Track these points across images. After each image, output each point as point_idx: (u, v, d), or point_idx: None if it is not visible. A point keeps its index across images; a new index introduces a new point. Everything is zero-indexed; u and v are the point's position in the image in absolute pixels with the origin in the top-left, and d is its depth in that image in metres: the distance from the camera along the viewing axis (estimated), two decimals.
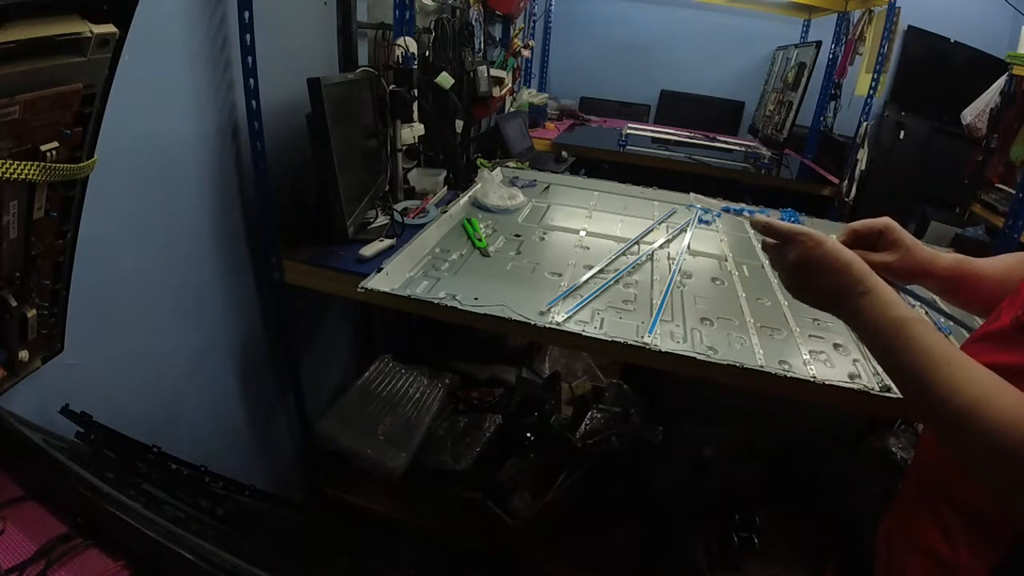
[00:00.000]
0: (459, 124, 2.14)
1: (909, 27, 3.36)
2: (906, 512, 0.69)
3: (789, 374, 1.00)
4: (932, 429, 0.57)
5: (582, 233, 1.58)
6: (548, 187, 2.00)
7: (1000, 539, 0.55)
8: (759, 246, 1.62)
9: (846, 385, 0.98)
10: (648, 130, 3.40)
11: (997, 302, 0.67)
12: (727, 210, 0.90)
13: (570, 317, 1.11)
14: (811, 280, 0.65)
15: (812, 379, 0.99)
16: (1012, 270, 0.72)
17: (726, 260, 1.49)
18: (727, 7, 3.79)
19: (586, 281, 1.26)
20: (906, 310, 0.58)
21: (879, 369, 1.03)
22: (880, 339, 0.59)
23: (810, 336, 1.15)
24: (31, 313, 0.70)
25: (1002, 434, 0.46)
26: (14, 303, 0.67)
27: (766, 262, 1.51)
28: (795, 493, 1.67)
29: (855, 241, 0.73)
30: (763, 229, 0.68)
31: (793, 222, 1.83)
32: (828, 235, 0.65)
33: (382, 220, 1.50)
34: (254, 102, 1.19)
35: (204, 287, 1.24)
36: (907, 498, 0.70)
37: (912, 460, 0.71)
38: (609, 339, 1.05)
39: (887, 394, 0.96)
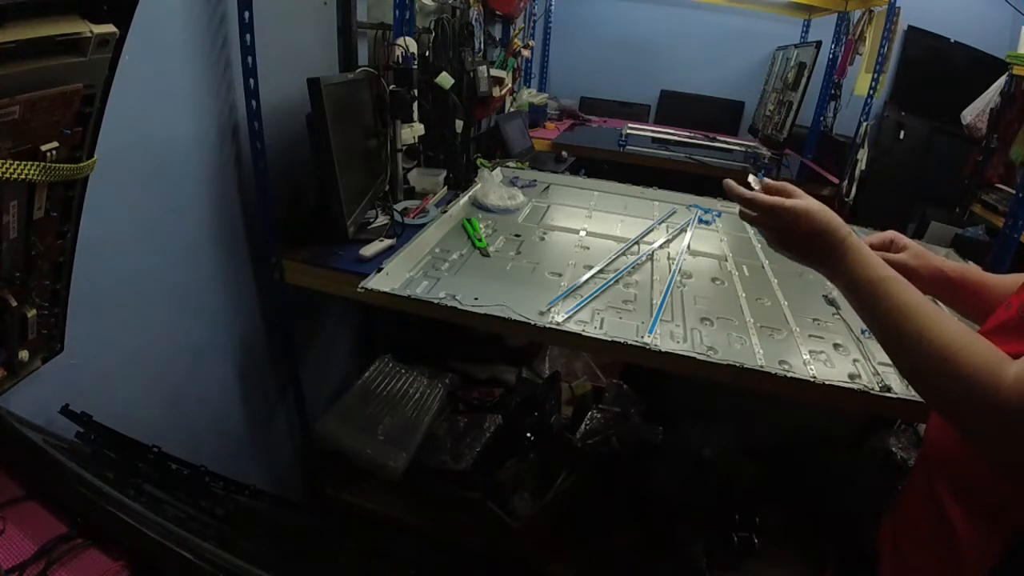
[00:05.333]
0: (459, 124, 2.14)
1: (909, 27, 3.36)
2: (911, 508, 0.69)
3: (789, 374, 1.00)
4: (913, 382, 0.61)
5: (582, 233, 1.58)
6: (548, 187, 2.00)
7: (1002, 530, 0.56)
8: (759, 246, 1.63)
9: (846, 385, 0.98)
10: (648, 130, 3.39)
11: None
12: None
13: (570, 317, 1.11)
14: (792, 246, 0.69)
15: (812, 379, 0.99)
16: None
17: (726, 260, 1.49)
18: (727, 7, 3.79)
19: (586, 281, 1.26)
20: (881, 269, 0.62)
21: (879, 369, 1.03)
22: (857, 296, 0.64)
23: (810, 336, 1.15)
24: (31, 313, 0.70)
25: (974, 378, 0.51)
26: (14, 303, 0.67)
27: (766, 262, 1.51)
28: (795, 493, 1.67)
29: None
30: (745, 202, 0.70)
31: None
32: (806, 201, 0.67)
33: (382, 220, 1.50)
34: (254, 102, 1.19)
35: (204, 287, 1.24)
36: (911, 494, 0.70)
37: (917, 457, 0.71)
38: (609, 339, 1.05)
39: (887, 394, 0.96)
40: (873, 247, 0.77)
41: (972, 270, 0.80)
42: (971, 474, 0.60)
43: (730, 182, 0.71)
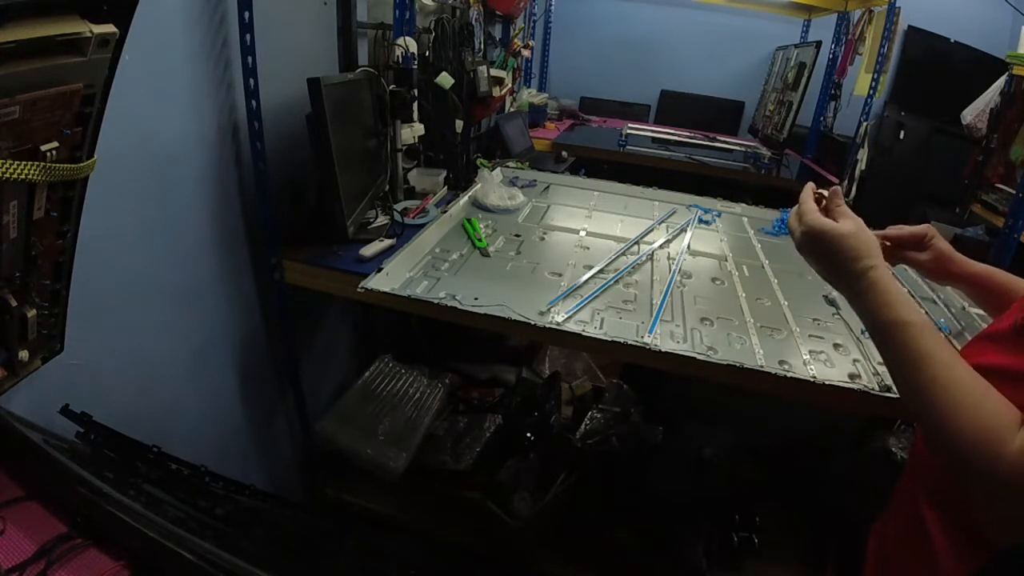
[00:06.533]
0: (459, 124, 2.14)
1: (909, 27, 3.36)
2: (897, 510, 0.69)
3: (789, 374, 1.00)
4: (921, 427, 0.60)
5: (582, 233, 1.58)
6: (548, 187, 2.00)
7: (976, 543, 0.56)
8: (759, 246, 1.63)
9: (846, 385, 0.98)
10: (648, 130, 3.40)
11: None
12: None
13: (570, 317, 1.11)
14: (816, 258, 0.67)
15: (812, 379, 0.99)
16: None
17: (726, 260, 1.49)
18: (727, 7, 3.79)
19: (586, 281, 1.26)
20: (901, 311, 0.59)
21: (879, 369, 1.03)
22: (874, 335, 0.62)
23: (810, 336, 1.15)
24: (31, 313, 0.70)
25: (979, 443, 0.49)
26: (14, 303, 0.67)
27: (766, 262, 1.51)
28: (795, 493, 1.67)
29: (895, 245, 0.80)
30: (800, 207, 0.69)
31: None
32: (840, 222, 0.65)
33: (382, 220, 1.50)
34: (254, 102, 1.19)
35: (204, 287, 1.24)
36: (899, 498, 0.70)
37: (907, 461, 0.72)
38: (609, 339, 1.05)
39: (887, 394, 0.96)
40: (903, 241, 0.80)
41: (997, 273, 0.79)
42: (948, 489, 0.60)
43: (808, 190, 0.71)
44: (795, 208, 0.70)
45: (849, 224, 0.65)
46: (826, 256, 0.65)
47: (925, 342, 0.56)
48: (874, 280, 0.61)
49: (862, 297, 0.62)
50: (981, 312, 1.20)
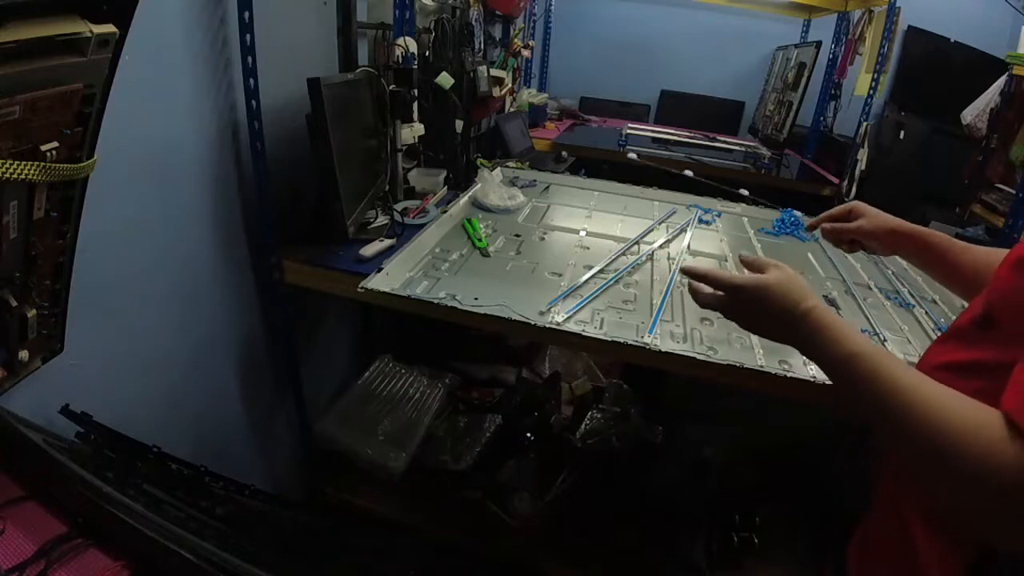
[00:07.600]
0: (459, 124, 2.14)
1: (909, 27, 3.36)
2: (877, 519, 0.68)
3: (789, 374, 1.00)
4: (904, 457, 0.57)
5: (582, 233, 1.58)
6: (548, 187, 2.00)
7: (965, 552, 0.55)
8: (759, 246, 1.63)
9: None
10: (648, 130, 3.39)
11: (971, 282, 0.72)
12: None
13: (570, 317, 1.11)
14: (749, 318, 0.66)
15: (812, 379, 0.99)
16: (987, 260, 0.75)
17: (726, 260, 1.49)
18: (727, 7, 3.79)
19: (586, 281, 1.26)
20: (850, 344, 0.56)
21: None
22: (832, 376, 0.58)
23: None
24: (31, 313, 0.70)
25: (972, 461, 0.45)
26: (14, 303, 0.67)
27: None
28: (795, 493, 1.67)
29: (834, 222, 0.88)
30: (701, 278, 0.68)
31: (792, 222, 1.82)
32: (764, 275, 0.64)
33: (382, 220, 1.50)
34: (254, 102, 1.19)
35: (204, 287, 1.24)
36: (879, 506, 0.69)
37: (886, 469, 0.70)
38: (609, 339, 1.05)
39: None
40: (834, 218, 0.87)
41: (936, 235, 0.83)
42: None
43: (689, 267, 0.71)
44: (694, 285, 0.69)
45: (774, 271, 0.63)
46: (760, 312, 0.63)
47: (887, 367, 0.53)
48: (818, 319, 0.59)
49: (811, 341, 0.59)
50: None
